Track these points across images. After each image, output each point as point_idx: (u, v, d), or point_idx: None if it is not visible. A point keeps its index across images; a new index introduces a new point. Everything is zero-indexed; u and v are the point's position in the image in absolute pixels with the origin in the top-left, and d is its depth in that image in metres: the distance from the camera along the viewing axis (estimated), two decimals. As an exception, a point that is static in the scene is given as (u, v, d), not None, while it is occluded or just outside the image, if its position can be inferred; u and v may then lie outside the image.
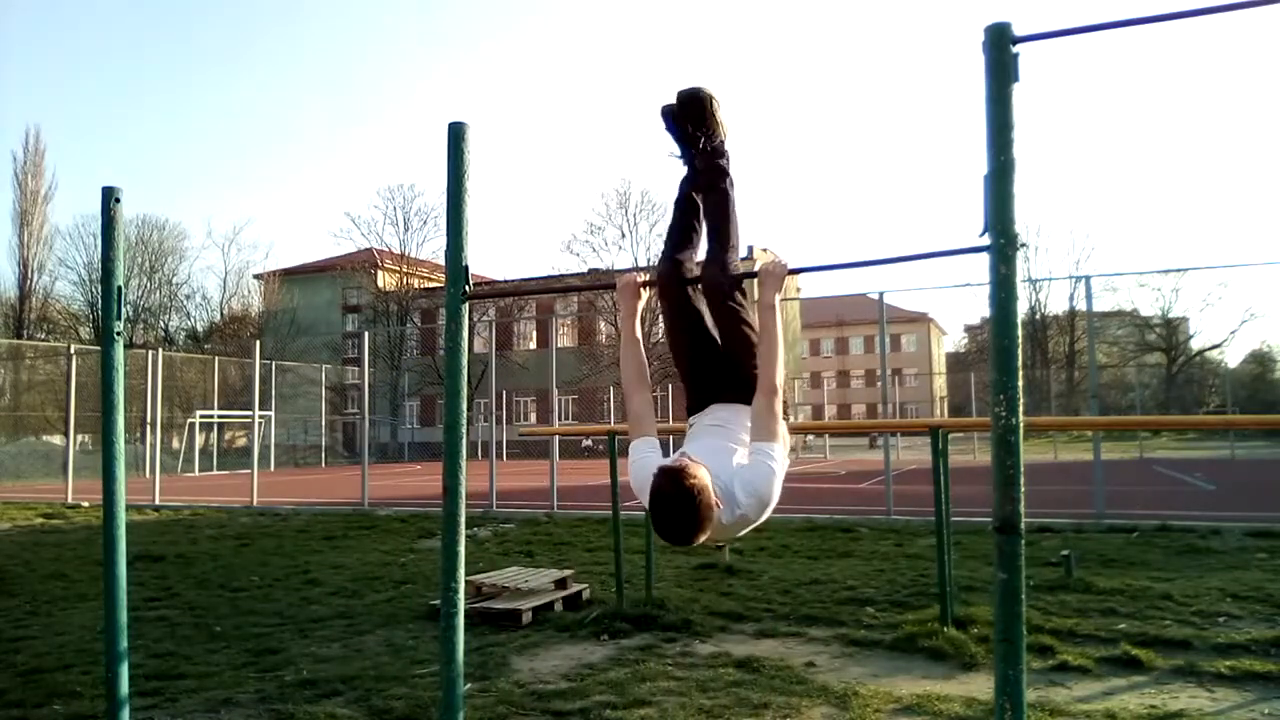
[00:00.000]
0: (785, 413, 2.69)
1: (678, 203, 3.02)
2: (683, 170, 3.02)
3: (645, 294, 2.92)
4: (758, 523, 2.52)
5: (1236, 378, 46.75)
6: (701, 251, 2.96)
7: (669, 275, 2.90)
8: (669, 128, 2.97)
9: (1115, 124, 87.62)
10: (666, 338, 2.92)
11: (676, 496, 2.25)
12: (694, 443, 2.65)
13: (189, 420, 30.03)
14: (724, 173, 2.92)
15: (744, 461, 2.51)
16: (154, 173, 75.31)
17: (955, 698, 3.95)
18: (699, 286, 2.88)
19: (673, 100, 2.92)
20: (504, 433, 32.38)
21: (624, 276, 2.89)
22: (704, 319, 2.87)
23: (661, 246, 3.07)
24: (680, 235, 2.97)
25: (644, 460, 2.55)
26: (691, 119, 2.89)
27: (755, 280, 2.84)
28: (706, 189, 2.94)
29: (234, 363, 34.18)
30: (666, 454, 2.67)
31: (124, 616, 3.06)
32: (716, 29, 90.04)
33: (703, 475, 2.29)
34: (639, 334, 2.87)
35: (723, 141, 2.93)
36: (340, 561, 8.22)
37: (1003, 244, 1.93)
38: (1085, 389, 21.55)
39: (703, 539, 2.34)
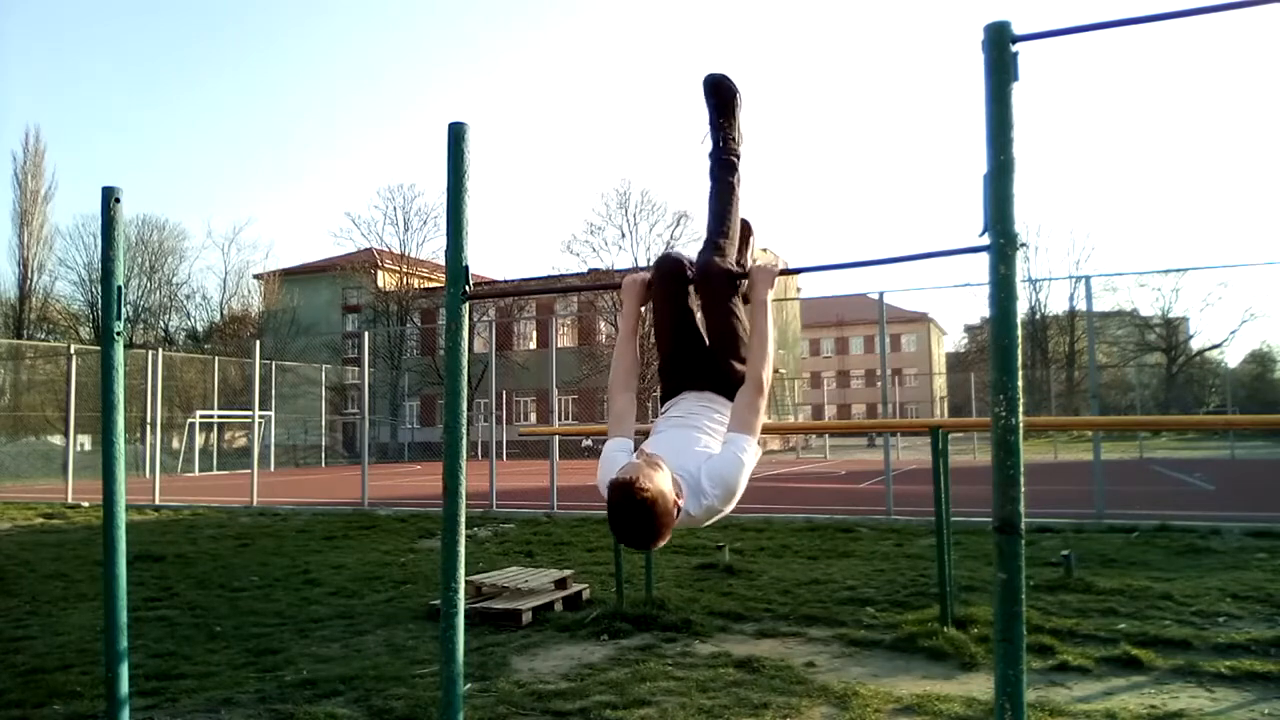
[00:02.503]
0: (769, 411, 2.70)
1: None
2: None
3: (650, 294, 2.91)
4: (725, 512, 2.50)
5: (1236, 378, 46.72)
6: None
7: (671, 259, 2.91)
8: (708, 100, 2.99)
9: (1115, 123, 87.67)
10: (652, 317, 2.90)
11: (630, 508, 2.21)
12: (657, 436, 2.64)
13: (189, 420, 30.02)
14: (734, 167, 2.95)
15: (713, 450, 2.50)
16: (154, 173, 75.39)
17: (955, 698, 3.95)
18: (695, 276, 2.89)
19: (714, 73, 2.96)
20: (504, 433, 32.39)
21: (629, 276, 2.89)
22: (694, 313, 2.86)
23: (660, 248, 3.07)
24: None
25: (612, 460, 2.51)
26: (717, 107, 2.94)
27: (748, 279, 2.83)
28: (714, 178, 2.96)
29: (234, 363, 34.18)
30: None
31: (124, 616, 3.06)
32: (716, 28, 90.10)
33: (658, 481, 2.24)
34: (637, 334, 2.87)
35: (737, 141, 2.97)
36: (340, 561, 8.22)
37: (1002, 244, 1.93)
38: (1085, 389, 21.56)
39: (665, 542, 2.32)
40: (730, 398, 2.66)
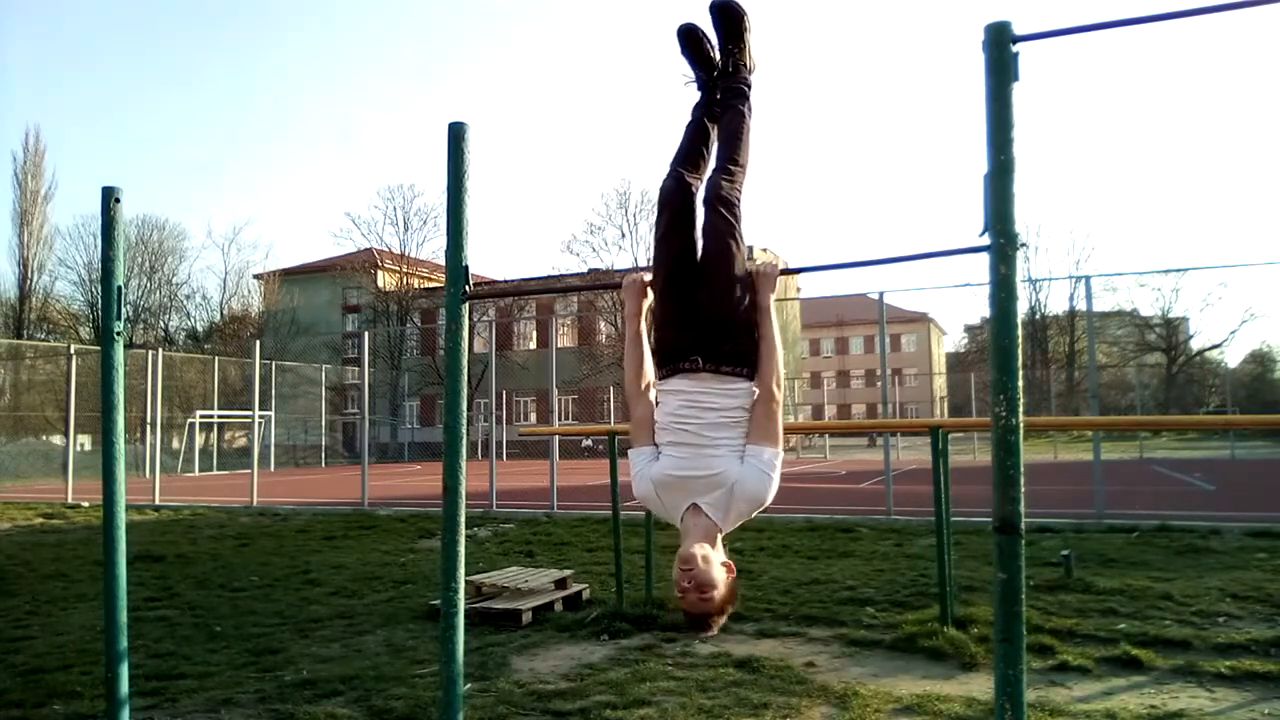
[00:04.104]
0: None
1: (688, 126, 2.92)
2: (695, 96, 2.94)
3: (650, 295, 2.83)
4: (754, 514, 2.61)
5: (1236, 378, 46.72)
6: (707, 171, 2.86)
7: (674, 189, 2.77)
8: (684, 50, 2.90)
9: (1115, 123, 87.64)
10: (653, 250, 2.81)
11: (703, 617, 2.54)
12: (669, 452, 2.53)
13: (189, 420, 30.01)
14: (745, 95, 2.84)
15: (738, 465, 2.48)
16: (154, 173, 75.38)
17: (955, 698, 3.95)
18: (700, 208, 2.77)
19: (686, 21, 2.87)
20: (504, 433, 32.37)
21: (630, 275, 2.82)
22: (695, 248, 2.71)
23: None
24: (688, 155, 2.87)
25: (640, 471, 2.59)
26: (725, 31, 2.83)
27: (752, 284, 2.75)
28: (724, 106, 2.84)
29: (234, 363, 34.18)
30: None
31: (124, 616, 3.06)
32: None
33: (721, 593, 2.49)
34: (643, 335, 2.80)
35: (748, 68, 2.87)
36: (340, 561, 8.22)
37: (1003, 244, 1.94)
38: (1085, 389, 21.56)
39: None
40: (720, 362, 2.54)
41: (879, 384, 40.36)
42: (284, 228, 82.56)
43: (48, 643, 5.21)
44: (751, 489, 2.45)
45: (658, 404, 2.65)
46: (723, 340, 2.55)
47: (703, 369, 2.55)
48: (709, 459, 2.49)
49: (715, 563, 2.46)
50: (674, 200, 2.75)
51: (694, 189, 2.79)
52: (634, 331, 2.79)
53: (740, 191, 2.72)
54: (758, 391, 2.57)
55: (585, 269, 43.70)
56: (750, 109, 2.84)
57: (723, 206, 2.64)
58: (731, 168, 2.73)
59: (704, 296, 2.60)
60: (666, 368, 2.63)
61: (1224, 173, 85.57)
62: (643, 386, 2.72)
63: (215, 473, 28.17)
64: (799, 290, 46.34)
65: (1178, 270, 53.55)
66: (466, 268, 2.66)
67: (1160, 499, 13.03)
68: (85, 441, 28.66)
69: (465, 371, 2.63)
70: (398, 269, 48.66)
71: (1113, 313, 49.69)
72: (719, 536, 2.51)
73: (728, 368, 2.55)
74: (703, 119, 2.90)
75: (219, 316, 51.65)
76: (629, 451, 2.69)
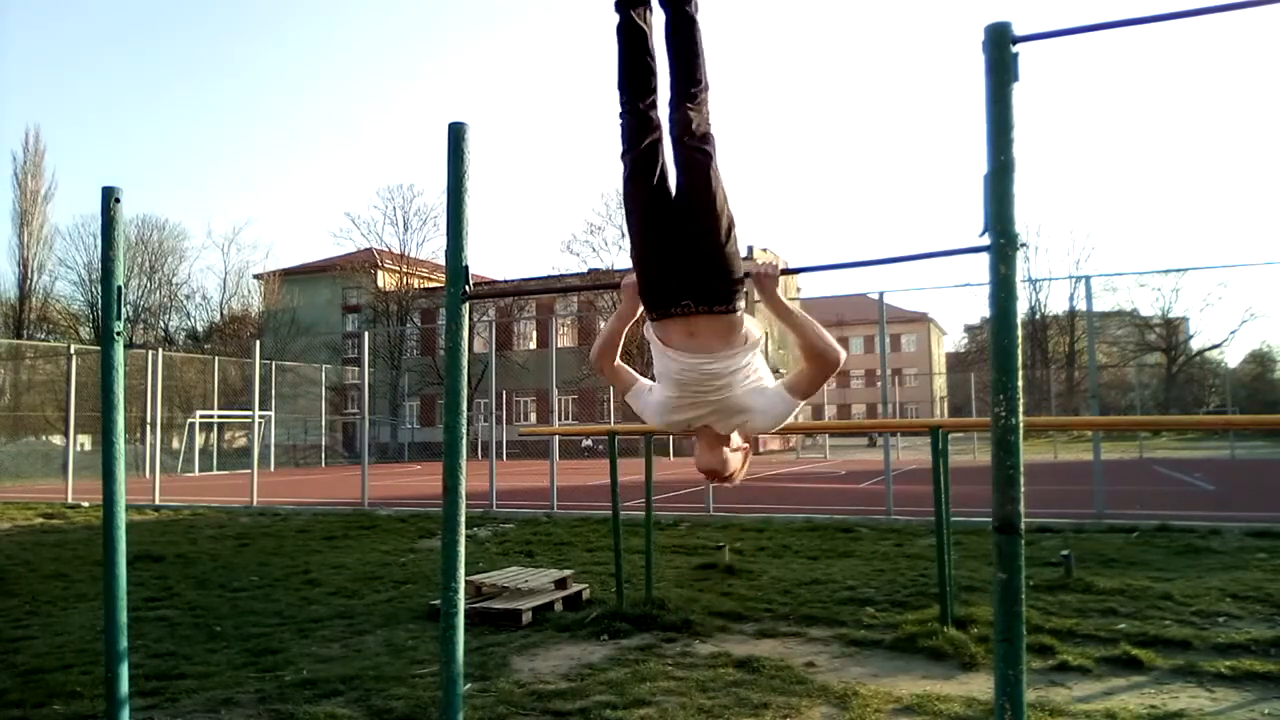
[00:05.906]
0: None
1: (620, 34, 2.56)
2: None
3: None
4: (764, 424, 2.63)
5: (1236, 378, 46.76)
6: (664, 96, 2.57)
7: (636, 125, 2.53)
8: None
9: (1115, 123, 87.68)
10: (622, 193, 2.60)
11: (727, 479, 2.64)
12: (678, 394, 2.54)
13: (189, 420, 30.00)
14: None
15: (749, 398, 2.52)
16: (154, 173, 75.38)
17: (955, 698, 3.95)
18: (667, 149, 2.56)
19: None
20: (504, 433, 32.37)
21: (629, 277, 2.76)
22: (668, 183, 2.54)
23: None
24: (636, 77, 2.55)
25: (645, 404, 2.69)
26: None
27: (755, 285, 2.69)
28: (672, 10, 2.52)
29: (234, 363, 34.16)
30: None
31: (124, 616, 3.06)
32: (717, 28, 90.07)
33: (733, 468, 2.59)
34: (622, 336, 2.83)
35: None
36: (340, 561, 8.22)
37: (1003, 244, 1.94)
38: (1085, 389, 21.55)
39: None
40: (714, 302, 2.44)
41: (879, 384, 40.32)
42: (284, 228, 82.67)
43: (48, 643, 5.21)
44: (767, 402, 2.53)
45: (651, 349, 2.60)
46: (713, 279, 2.43)
47: (696, 312, 2.45)
48: (713, 400, 2.55)
49: (728, 456, 2.58)
50: (638, 137, 2.52)
51: (656, 119, 2.55)
52: (617, 328, 2.82)
53: (709, 116, 2.51)
54: (809, 354, 2.54)
55: (585, 269, 43.70)
56: (696, 6, 2.54)
57: (698, 139, 2.47)
58: (695, 92, 2.50)
59: (688, 234, 2.44)
60: (656, 311, 2.51)
61: (1224, 173, 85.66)
62: (610, 353, 2.81)
63: (215, 473, 28.16)
64: (799, 290, 46.30)
65: (1178, 270, 53.65)
66: (466, 268, 2.66)
67: (1160, 499, 13.03)
68: (85, 441, 28.67)
69: (465, 371, 2.63)
70: (398, 269, 48.66)
71: (1113, 313, 49.73)
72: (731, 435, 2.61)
73: (721, 306, 2.44)
74: (630, 17, 2.56)
75: (219, 316, 51.68)
76: (626, 398, 2.75)
